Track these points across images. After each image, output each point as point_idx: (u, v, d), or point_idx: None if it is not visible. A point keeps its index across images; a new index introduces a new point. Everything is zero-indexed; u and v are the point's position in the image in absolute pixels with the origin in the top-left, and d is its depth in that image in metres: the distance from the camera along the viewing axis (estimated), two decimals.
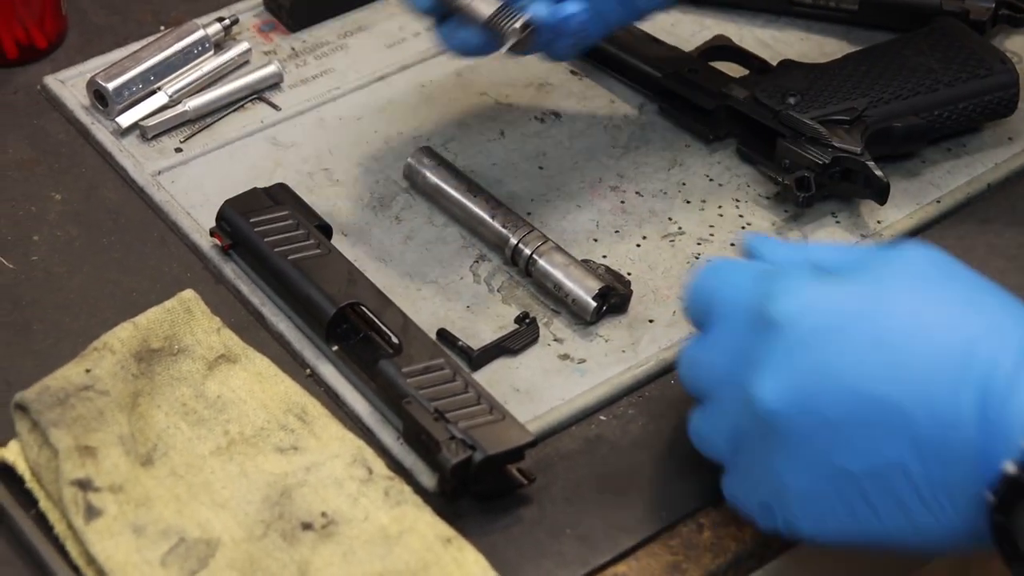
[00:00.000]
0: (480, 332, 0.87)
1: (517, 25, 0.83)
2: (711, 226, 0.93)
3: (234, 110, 0.99)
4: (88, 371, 0.80)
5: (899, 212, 0.94)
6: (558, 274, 0.88)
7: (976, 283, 0.73)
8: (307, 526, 0.76)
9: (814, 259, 0.75)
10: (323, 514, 0.77)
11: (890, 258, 0.73)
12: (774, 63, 0.99)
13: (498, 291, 0.90)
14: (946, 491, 0.69)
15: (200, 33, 1.00)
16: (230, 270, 0.90)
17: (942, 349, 0.69)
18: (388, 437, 0.82)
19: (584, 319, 0.88)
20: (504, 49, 0.84)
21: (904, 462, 0.69)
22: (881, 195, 0.92)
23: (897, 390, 0.69)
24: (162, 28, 1.04)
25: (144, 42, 1.01)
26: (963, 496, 0.69)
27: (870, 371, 0.70)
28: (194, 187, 0.94)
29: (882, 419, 0.69)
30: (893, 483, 0.70)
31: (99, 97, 0.97)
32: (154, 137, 0.96)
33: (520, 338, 0.87)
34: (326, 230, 0.90)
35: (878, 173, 0.92)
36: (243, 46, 1.01)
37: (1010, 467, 0.67)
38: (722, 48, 1.02)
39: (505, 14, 0.82)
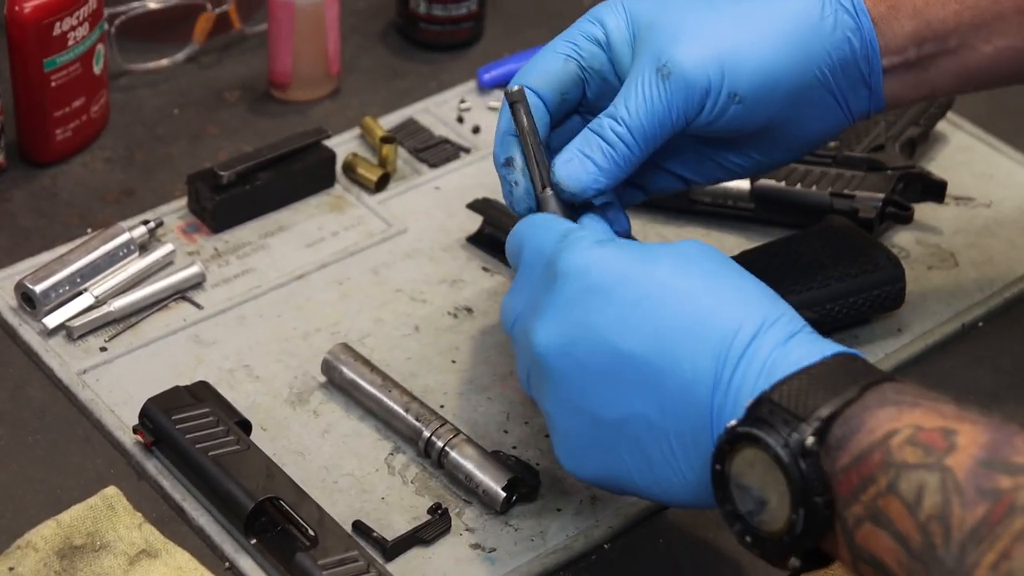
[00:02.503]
0: (395, 523, 0.91)
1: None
2: None
3: (158, 309, 1.03)
4: (11, 569, 0.83)
5: None
6: (469, 466, 0.92)
7: (739, 274, 0.81)
8: None
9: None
10: None
11: (672, 245, 0.82)
12: None
13: (412, 482, 0.93)
14: (682, 444, 0.78)
15: (125, 236, 1.04)
16: (152, 466, 0.93)
17: (690, 316, 0.78)
18: None
19: (494, 509, 0.91)
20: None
21: (648, 414, 0.79)
22: None
23: (646, 349, 0.79)
24: (89, 231, 1.08)
25: (71, 245, 1.05)
26: (696, 450, 0.78)
27: (626, 329, 0.80)
28: (118, 386, 0.97)
29: (631, 374, 0.79)
30: (638, 432, 0.80)
31: (27, 299, 1.00)
32: (80, 337, 1.00)
33: (433, 528, 0.90)
34: (246, 426, 0.94)
35: None
36: (167, 248, 1.05)
37: (732, 422, 0.75)
38: None
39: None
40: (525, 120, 0.89)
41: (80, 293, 1.02)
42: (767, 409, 0.74)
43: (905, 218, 1.09)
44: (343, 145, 1.16)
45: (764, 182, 1.09)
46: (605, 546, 0.91)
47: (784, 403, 0.74)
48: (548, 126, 0.91)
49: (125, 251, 1.04)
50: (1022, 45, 0.92)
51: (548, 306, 0.82)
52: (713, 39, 0.87)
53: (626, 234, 0.91)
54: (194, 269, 1.04)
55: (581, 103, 0.92)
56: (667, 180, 0.95)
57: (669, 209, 1.12)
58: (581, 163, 0.87)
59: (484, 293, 1.06)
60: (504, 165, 0.90)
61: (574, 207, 0.89)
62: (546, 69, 0.90)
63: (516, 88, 0.88)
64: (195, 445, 0.91)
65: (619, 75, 0.90)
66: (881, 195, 1.08)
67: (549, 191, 0.89)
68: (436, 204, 1.12)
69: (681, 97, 0.87)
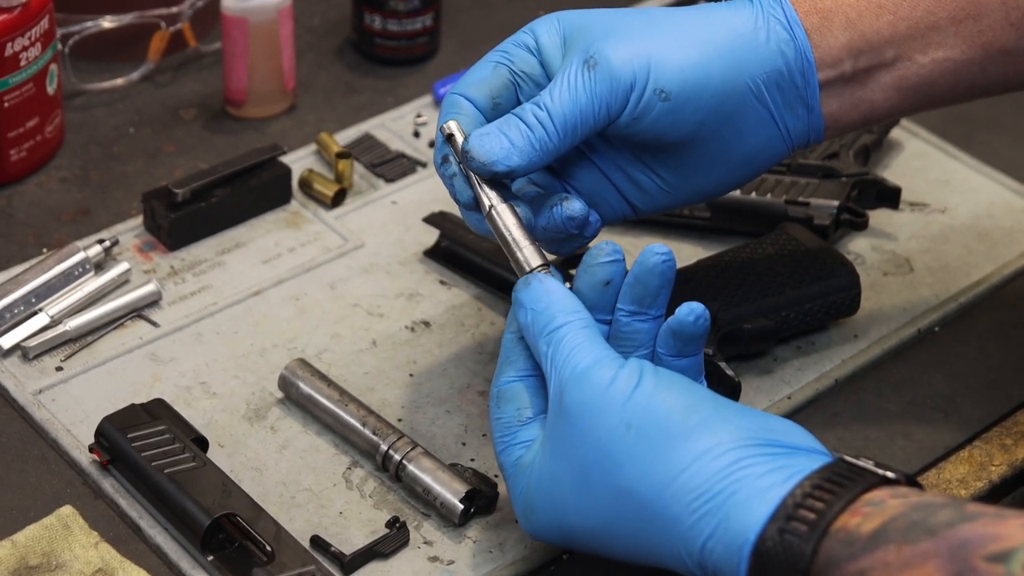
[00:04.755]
0: (352, 537, 0.91)
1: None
2: None
3: (114, 328, 1.02)
4: None
5: (754, 408, 0.99)
6: (426, 478, 0.92)
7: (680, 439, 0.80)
8: None
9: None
10: None
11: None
12: None
13: (370, 496, 0.93)
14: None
15: (80, 255, 1.04)
16: (109, 485, 0.92)
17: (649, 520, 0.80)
18: None
19: (453, 521, 0.91)
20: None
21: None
22: (733, 394, 0.97)
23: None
24: (44, 250, 1.08)
25: (26, 265, 1.05)
26: None
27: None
28: (74, 405, 0.97)
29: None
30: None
31: None
32: (35, 357, 1.00)
33: (391, 542, 0.90)
34: (202, 443, 0.94)
35: (729, 373, 0.97)
36: (123, 266, 1.05)
37: None
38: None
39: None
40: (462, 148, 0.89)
41: (35, 313, 1.01)
42: None
43: (860, 225, 1.09)
44: (299, 161, 1.16)
45: None
46: (564, 557, 0.91)
47: None
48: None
49: (80, 270, 1.04)
50: (959, 56, 0.91)
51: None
52: (642, 39, 0.88)
53: (580, 221, 0.90)
54: (150, 287, 1.04)
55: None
56: (611, 195, 0.93)
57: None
58: (497, 138, 0.86)
59: (442, 306, 1.06)
60: (441, 164, 0.90)
61: (498, 185, 0.88)
62: (477, 76, 0.91)
63: (447, 123, 0.89)
64: (151, 463, 0.90)
65: (550, 77, 0.90)
66: (836, 202, 1.08)
67: (499, 204, 0.88)
68: (393, 218, 1.12)
69: (606, 88, 0.86)
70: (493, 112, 0.90)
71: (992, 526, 0.70)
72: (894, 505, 0.73)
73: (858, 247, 1.11)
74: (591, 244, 0.91)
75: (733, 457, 0.78)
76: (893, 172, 1.17)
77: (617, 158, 0.92)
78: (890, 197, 1.11)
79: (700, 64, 0.88)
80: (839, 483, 0.75)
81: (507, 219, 0.88)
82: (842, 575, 0.72)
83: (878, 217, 1.12)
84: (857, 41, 0.90)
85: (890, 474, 0.76)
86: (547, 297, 0.85)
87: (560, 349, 0.83)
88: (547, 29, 0.91)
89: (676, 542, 0.78)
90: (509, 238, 0.88)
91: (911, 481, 0.77)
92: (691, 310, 0.86)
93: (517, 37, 0.91)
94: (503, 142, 0.86)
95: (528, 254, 0.87)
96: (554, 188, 0.93)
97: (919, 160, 1.19)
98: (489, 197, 0.88)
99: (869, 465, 0.77)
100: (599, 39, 0.87)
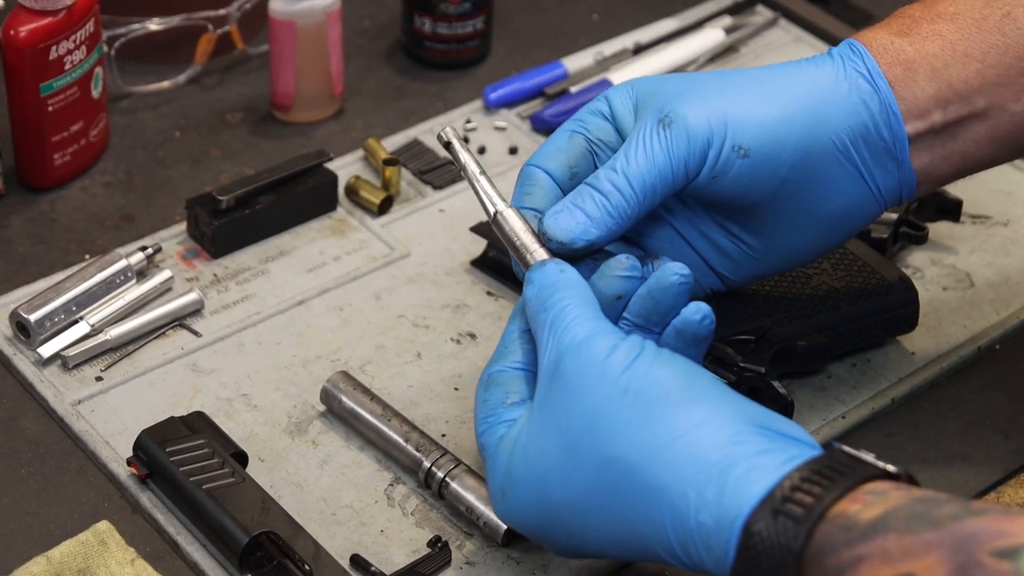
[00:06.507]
0: (393, 556, 0.89)
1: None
2: None
3: (155, 337, 1.01)
4: None
5: (806, 428, 0.96)
6: (470, 497, 0.90)
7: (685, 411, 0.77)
8: None
9: None
10: None
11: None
12: None
13: (412, 514, 0.91)
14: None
15: (123, 263, 1.02)
16: (147, 499, 0.91)
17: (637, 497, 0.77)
18: None
19: (496, 542, 0.89)
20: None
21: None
22: (786, 412, 0.94)
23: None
24: (87, 257, 1.06)
25: (68, 272, 1.03)
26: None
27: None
28: (114, 416, 0.96)
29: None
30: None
31: (21, 328, 0.99)
32: (75, 367, 0.98)
33: (432, 562, 0.88)
34: (242, 457, 0.92)
35: (782, 392, 0.94)
36: (165, 274, 1.03)
37: None
38: None
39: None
40: (462, 155, 0.87)
41: (76, 322, 1.00)
42: None
43: (919, 238, 1.06)
44: (346, 167, 1.14)
45: None
46: None
47: None
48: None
49: (122, 278, 1.02)
50: None
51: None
52: (718, 96, 0.85)
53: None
54: (192, 296, 1.02)
55: None
56: (696, 266, 0.90)
57: None
58: (571, 213, 0.84)
59: (488, 318, 1.04)
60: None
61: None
62: (553, 147, 0.88)
63: (444, 130, 0.88)
64: (189, 478, 0.89)
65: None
66: (894, 215, 1.05)
67: (505, 209, 0.85)
68: (440, 227, 1.10)
69: (682, 146, 0.84)
70: (571, 183, 0.87)
71: (999, 522, 0.68)
72: (896, 496, 0.72)
73: (917, 261, 1.08)
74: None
75: (733, 430, 0.76)
76: (954, 183, 1.14)
77: (699, 224, 0.90)
78: (951, 209, 1.08)
79: (779, 119, 0.85)
80: (839, 470, 0.73)
81: (515, 224, 0.86)
82: (837, 561, 0.70)
83: (938, 230, 1.10)
84: (944, 91, 0.88)
85: (891, 468, 0.74)
86: (559, 276, 0.83)
87: (561, 317, 0.80)
88: (620, 95, 0.88)
89: (663, 514, 0.75)
90: (518, 243, 0.85)
91: (912, 480, 0.75)
92: (698, 308, 0.83)
93: (592, 105, 0.89)
94: (578, 217, 0.84)
95: (540, 257, 0.85)
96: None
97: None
98: (494, 202, 0.86)
99: (870, 458, 0.75)
100: (672, 98, 0.85)
